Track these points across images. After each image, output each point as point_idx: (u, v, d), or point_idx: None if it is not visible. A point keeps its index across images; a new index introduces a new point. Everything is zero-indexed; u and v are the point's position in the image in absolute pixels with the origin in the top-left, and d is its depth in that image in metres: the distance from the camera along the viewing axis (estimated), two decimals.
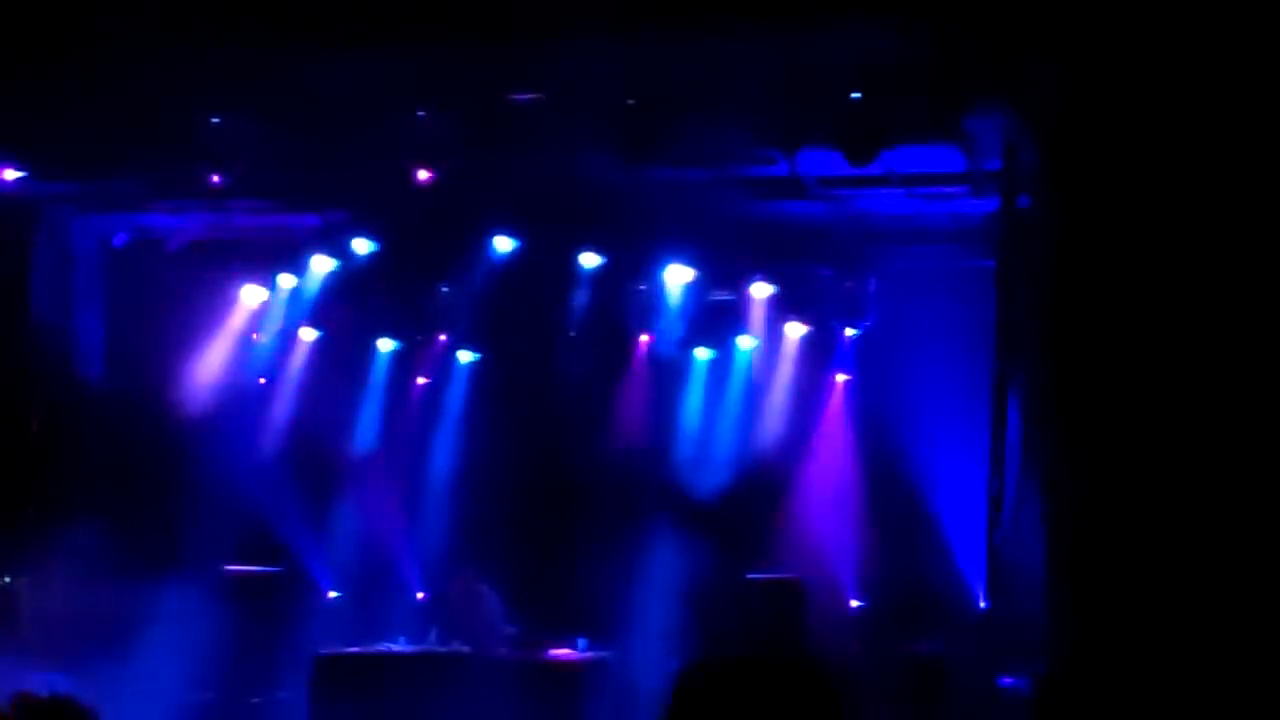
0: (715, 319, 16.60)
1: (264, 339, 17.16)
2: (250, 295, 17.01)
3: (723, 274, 16.30)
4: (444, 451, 17.35)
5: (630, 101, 13.43)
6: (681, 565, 15.99)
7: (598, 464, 16.47)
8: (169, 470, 16.67)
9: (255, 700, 15.98)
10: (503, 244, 16.18)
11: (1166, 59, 11.32)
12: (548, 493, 16.74)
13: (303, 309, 16.97)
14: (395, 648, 16.08)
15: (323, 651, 15.75)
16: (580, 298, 16.46)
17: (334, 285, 16.67)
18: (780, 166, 14.08)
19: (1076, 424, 11.56)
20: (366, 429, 17.39)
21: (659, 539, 16.13)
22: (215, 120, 14.21)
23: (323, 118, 13.83)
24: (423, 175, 14.52)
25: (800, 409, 16.54)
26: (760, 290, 16.37)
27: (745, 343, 16.70)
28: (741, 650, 4.77)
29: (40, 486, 16.66)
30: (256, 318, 17.10)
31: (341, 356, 17.29)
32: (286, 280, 16.85)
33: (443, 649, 15.82)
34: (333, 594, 17.25)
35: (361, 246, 16.33)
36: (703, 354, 16.85)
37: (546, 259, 16.20)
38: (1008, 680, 13.24)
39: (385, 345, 17.55)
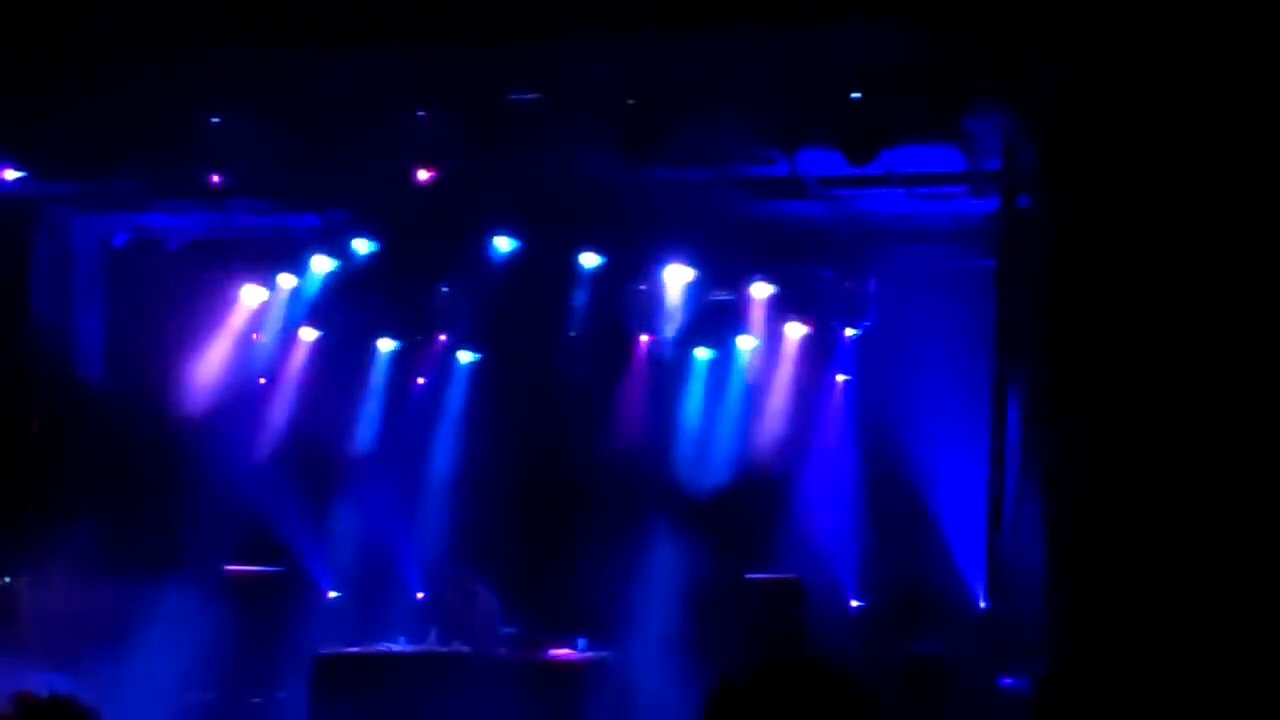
0: (715, 319, 16.60)
1: (264, 339, 17.16)
2: (250, 295, 17.01)
3: (723, 274, 16.30)
4: (444, 451, 17.34)
5: (630, 101, 13.43)
6: (681, 565, 16.00)
7: (598, 464, 16.46)
8: (169, 470, 16.67)
9: (255, 700, 15.98)
10: (503, 244, 16.19)
11: (1166, 59, 11.31)
12: (548, 493, 16.74)
13: (303, 309, 16.98)
14: (395, 648, 16.07)
15: (323, 651, 15.73)
16: (580, 298, 16.47)
17: (334, 285, 16.68)
18: (780, 166, 14.09)
19: (1076, 424, 11.55)
20: (366, 429, 17.38)
21: (659, 539, 16.14)
22: (215, 120, 14.22)
23: (323, 118, 13.83)
24: (423, 175, 14.52)
25: (800, 409, 16.54)
26: (760, 290, 16.37)
27: (745, 343, 16.69)
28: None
29: (40, 486, 16.67)
30: (256, 318, 17.10)
31: (341, 356, 17.28)
32: (286, 280, 16.86)
33: (443, 649, 15.81)
34: (333, 594, 17.25)
35: (361, 246, 16.34)
36: (703, 354, 16.85)
37: (546, 259, 16.20)
38: (1008, 680, 13.24)
39: (385, 345, 17.56)
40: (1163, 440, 11.21)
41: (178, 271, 16.74)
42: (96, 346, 17.26)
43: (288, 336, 17.18)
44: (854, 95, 13.08)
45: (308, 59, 13.16)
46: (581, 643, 15.72)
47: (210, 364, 16.82)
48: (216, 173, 14.66)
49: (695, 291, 16.31)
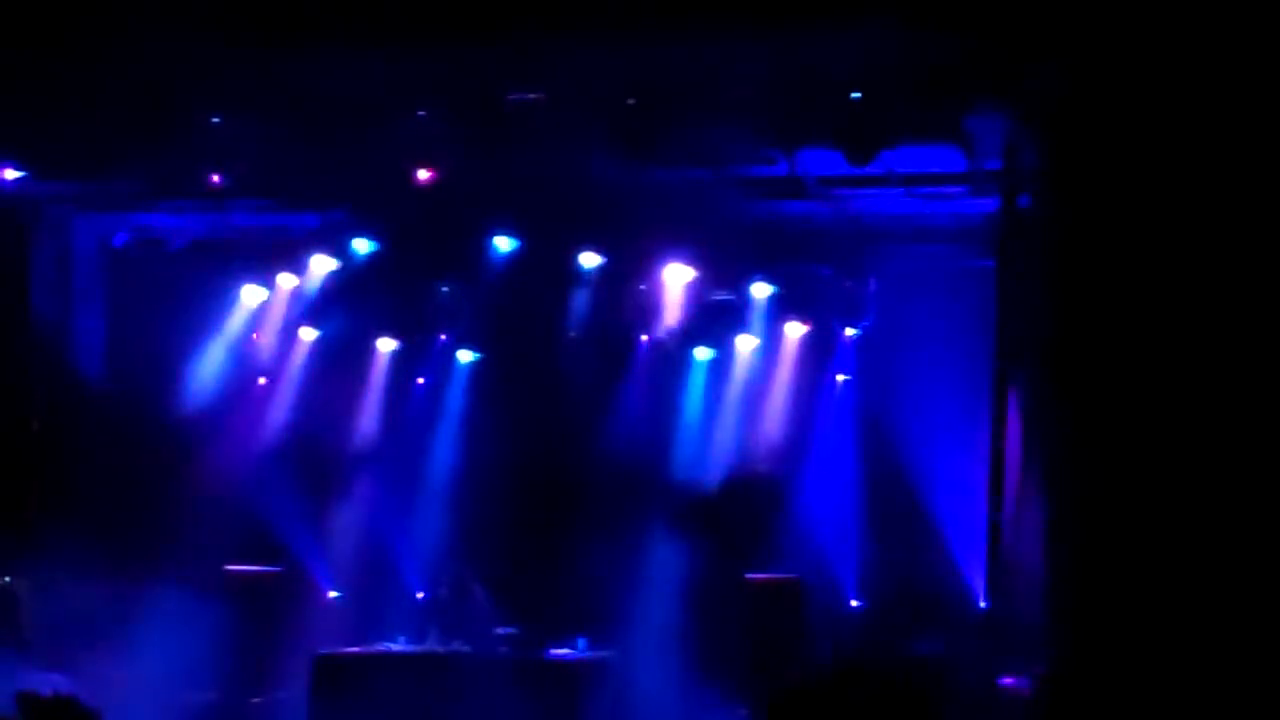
0: (715, 319, 16.60)
1: (264, 339, 17.16)
2: (250, 295, 17.02)
3: (723, 274, 16.29)
4: (444, 451, 17.34)
5: (630, 101, 13.44)
6: (681, 565, 16.00)
7: (597, 464, 16.46)
8: (169, 470, 16.67)
9: (255, 700, 15.97)
10: (503, 244, 16.19)
11: (1166, 59, 11.32)
12: (548, 492, 16.73)
13: (303, 309, 16.98)
14: (395, 648, 16.08)
15: (323, 651, 15.74)
16: (580, 298, 16.47)
17: (334, 285, 16.68)
18: (780, 166, 14.09)
19: (1077, 424, 11.56)
20: (366, 429, 17.38)
21: (659, 539, 16.13)
22: (215, 120, 14.22)
23: (323, 118, 13.83)
24: (423, 175, 14.52)
25: (800, 409, 16.54)
26: (760, 290, 16.37)
27: (745, 343, 16.69)
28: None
29: (40, 486, 16.67)
30: (256, 318, 17.10)
31: (341, 356, 17.28)
32: (286, 280, 16.86)
33: (443, 649, 15.82)
34: (333, 594, 17.25)
35: (361, 246, 16.34)
36: (703, 354, 16.85)
37: (546, 259, 16.20)
38: (1008, 680, 13.25)
39: (385, 345, 17.55)
40: (1163, 440, 11.22)
41: (178, 271, 16.76)
42: (96, 346, 17.27)
43: (288, 336, 17.18)
44: (854, 95, 13.09)
45: (308, 59, 13.17)
46: (581, 643, 15.73)
47: (210, 364, 16.82)
48: (216, 173, 14.67)
49: (695, 291, 16.31)
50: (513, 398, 16.97)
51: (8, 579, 15.91)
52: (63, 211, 16.76)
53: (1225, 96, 11.23)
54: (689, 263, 16.10)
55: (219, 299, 16.94)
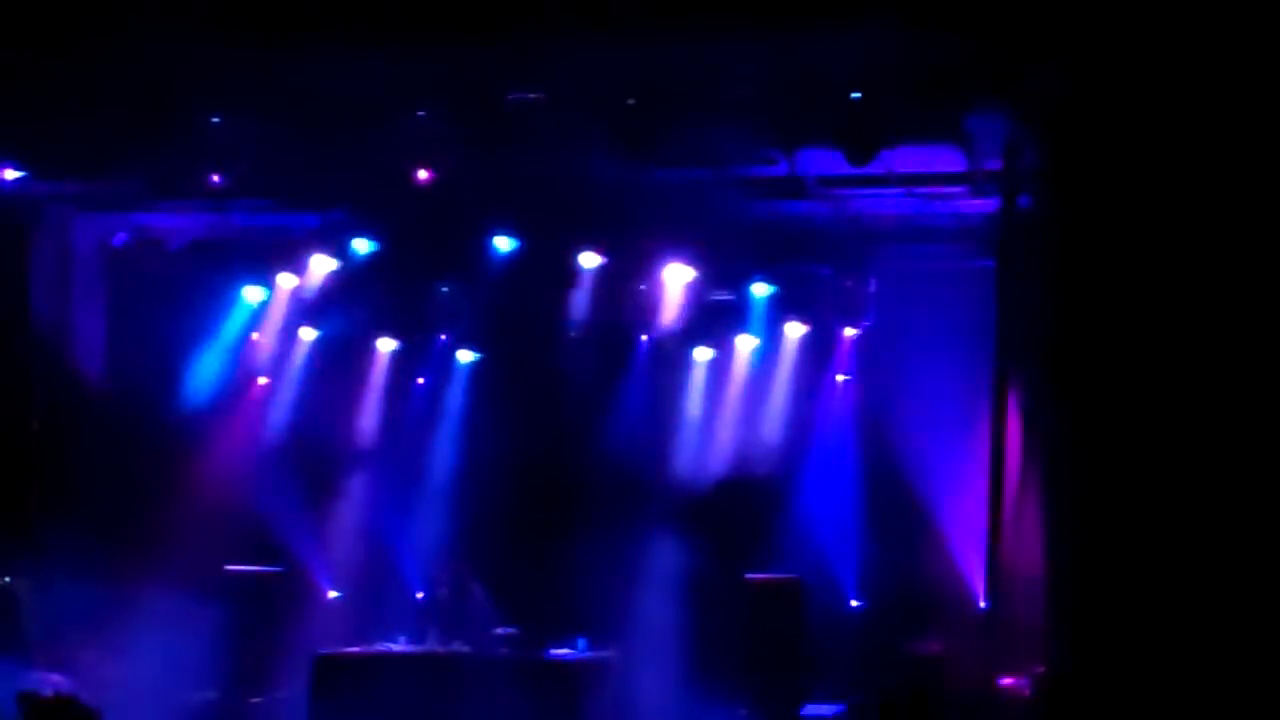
0: (715, 319, 16.60)
1: (264, 339, 17.16)
2: (250, 295, 17.02)
3: (723, 274, 16.30)
4: (444, 451, 17.34)
5: (630, 101, 13.43)
6: (681, 565, 15.99)
7: (598, 464, 16.46)
8: (169, 470, 16.67)
9: (255, 700, 15.97)
10: (503, 244, 16.19)
11: (1166, 59, 11.32)
12: (548, 492, 16.73)
13: (303, 309, 16.98)
14: (395, 648, 16.07)
15: (323, 651, 15.74)
16: (580, 298, 16.47)
17: (334, 285, 16.68)
18: (780, 166, 14.09)
19: (1077, 424, 11.56)
20: (366, 429, 17.38)
21: (659, 539, 16.13)
22: (215, 120, 14.22)
23: (323, 118, 13.83)
24: (423, 175, 14.52)
25: (800, 409, 16.54)
26: (760, 290, 16.37)
27: (745, 343, 16.69)
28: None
29: (40, 486, 16.67)
30: (256, 318, 17.10)
31: (341, 356, 17.29)
32: (286, 280, 16.86)
33: (443, 649, 15.82)
34: (333, 594, 17.25)
35: (361, 246, 16.34)
36: (703, 354, 16.85)
37: (546, 259, 16.20)
38: (1008, 680, 13.25)
39: (385, 345, 17.56)
40: (1163, 440, 11.22)
41: (178, 271, 16.76)
42: (96, 346, 17.27)
43: (288, 336, 17.19)
44: (854, 95, 13.08)
45: (308, 59, 13.17)
46: (581, 643, 15.72)
47: (210, 364, 16.83)
48: (216, 173, 14.66)
49: (695, 291, 16.31)
50: (513, 398, 16.97)
51: (8, 579, 15.91)
52: (63, 211, 16.76)
53: (1225, 96, 11.24)
54: (689, 263, 16.10)
55: (219, 299, 16.95)
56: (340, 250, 16.44)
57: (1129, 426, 11.30)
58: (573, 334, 16.65)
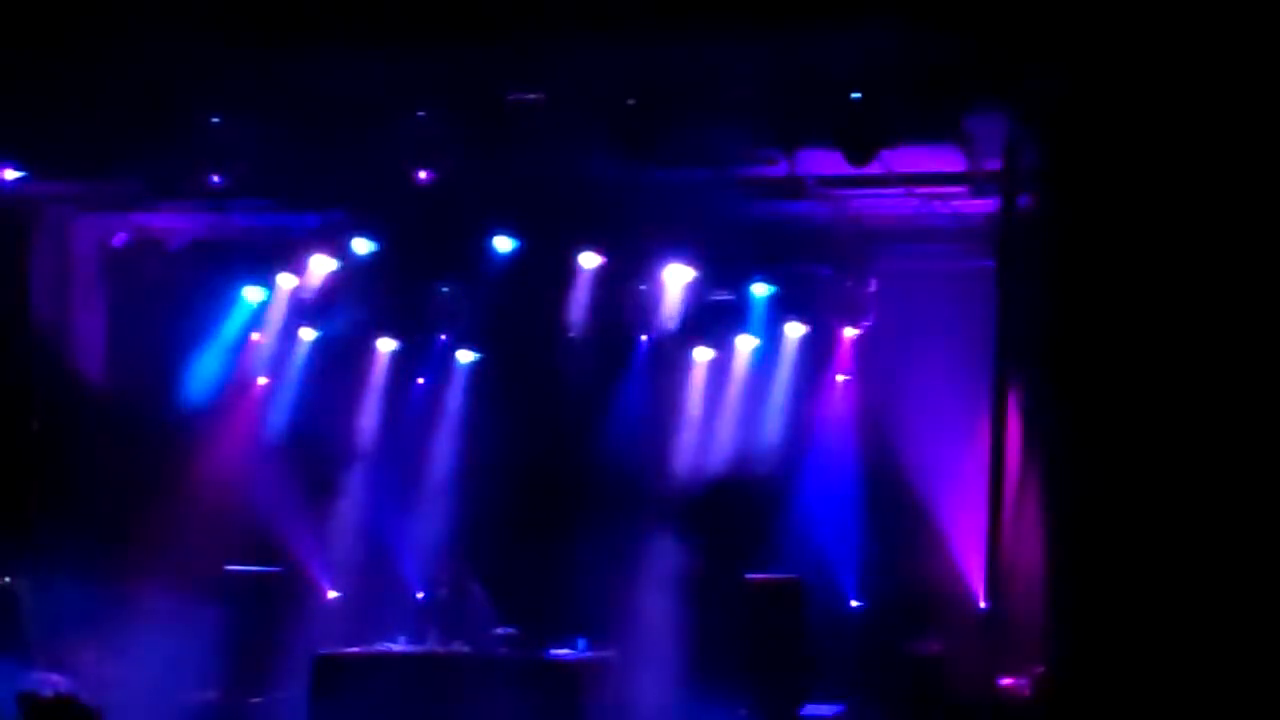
0: (715, 319, 16.60)
1: (264, 339, 17.17)
2: (250, 295, 17.02)
3: (723, 274, 16.30)
4: (443, 451, 17.34)
5: (630, 101, 13.43)
6: (681, 565, 15.99)
7: (597, 464, 16.46)
8: (169, 470, 16.68)
9: (255, 700, 15.97)
10: (503, 244, 16.20)
11: (1166, 59, 11.32)
12: (547, 492, 16.73)
13: (302, 309, 16.98)
14: (395, 648, 16.08)
15: (323, 651, 15.74)
16: (580, 298, 16.47)
17: (334, 285, 16.68)
18: (780, 166, 14.09)
19: (1077, 424, 11.56)
20: (366, 429, 17.39)
21: (659, 539, 16.13)
22: (215, 120, 14.22)
23: (323, 118, 13.83)
24: (423, 175, 14.52)
25: (800, 409, 16.54)
26: (760, 290, 16.37)
27: (745, 343, 16.70)
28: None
29: (40, 486, 16.68)
30: (256, 318, 17.11)
31: (341, 356, 17.29)
32: (286, 280, 16.86)
33: (443, 649, 15.82)
34: (332, 594, 17.25)
35: (361, 246, 16.34)
36: (703, 354, 16.85)
37: (546, 259, 16.20)
38: (1008, 680, 13.25)
39: (385, 345, 17.56)
40: (1163, 440, 11.22)
41: (178, 271, 16.77)
42: (96, 346, 17.27)
43: (287, 336, 17.19)
44: (854, 95, 13.08)
45: (308, 59, 13.17)
46: (581, 643, 15.73)
47: (210, 364, 16.83)
48: (216, 173, 14.66)
49: (695, 291, 16.31)
50: (512, 398, 16.97)
51: (8, 579, 15.92)
52: (63, 212, 16.76)
53: (1225, 96, 11.23)
54: (689, 263, 16.10)
55: (219, 299, 16.96)
56: (340, 250, 16.45)
57: (1129, 426, 11.30)
58: (572, 334, 16.65)
